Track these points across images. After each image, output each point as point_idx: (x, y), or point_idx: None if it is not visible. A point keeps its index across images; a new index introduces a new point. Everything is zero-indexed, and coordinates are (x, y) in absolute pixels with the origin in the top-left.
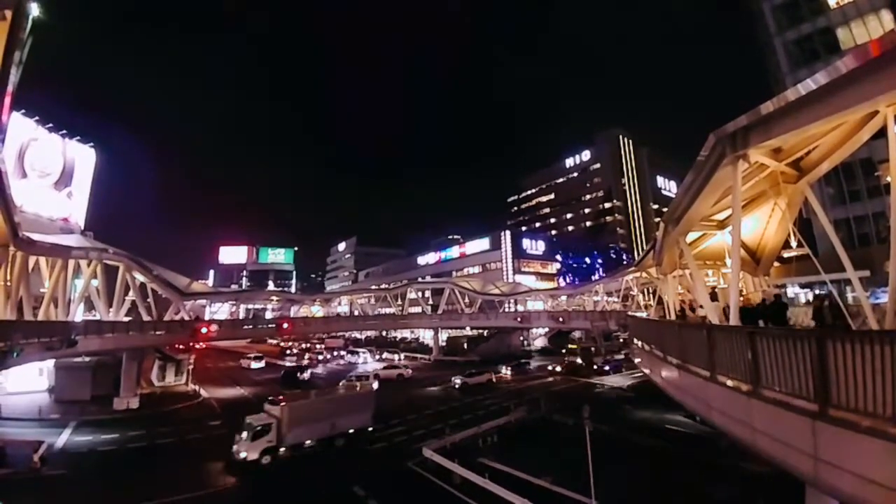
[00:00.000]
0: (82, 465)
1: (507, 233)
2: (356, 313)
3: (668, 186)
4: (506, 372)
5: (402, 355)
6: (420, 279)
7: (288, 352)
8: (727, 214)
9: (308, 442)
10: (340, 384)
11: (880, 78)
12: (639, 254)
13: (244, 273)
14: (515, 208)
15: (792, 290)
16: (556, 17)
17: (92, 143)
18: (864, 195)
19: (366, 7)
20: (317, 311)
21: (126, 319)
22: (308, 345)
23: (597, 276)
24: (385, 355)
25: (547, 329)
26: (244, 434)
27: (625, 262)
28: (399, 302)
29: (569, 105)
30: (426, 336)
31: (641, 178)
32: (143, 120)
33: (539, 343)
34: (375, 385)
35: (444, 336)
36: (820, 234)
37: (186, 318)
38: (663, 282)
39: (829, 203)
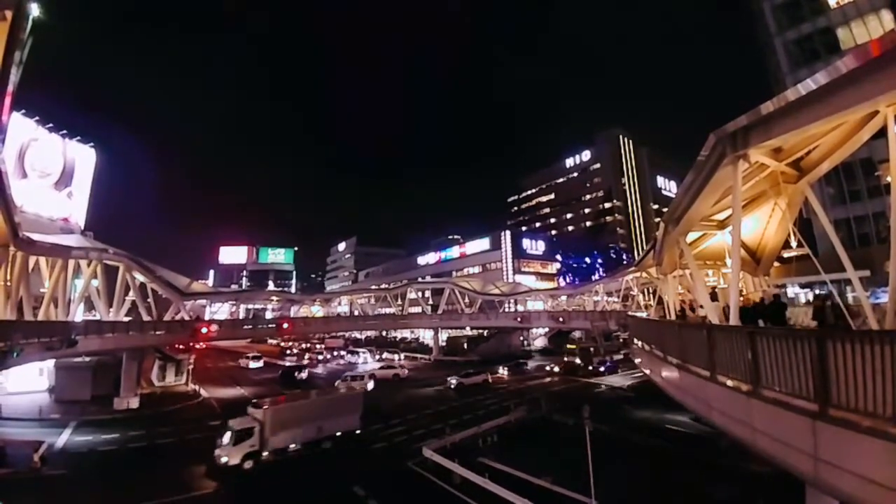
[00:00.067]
0: (82, 465)
1: (507, 233)
2: (356, 313)
3: (668, 186)
4: (503, 372)
5: (402, 355)
6: (420, 279)
7: (288, 352)
8: (727, 214)
9: (293, 446)
10: (336, 384)
11: (880, 78)
12: (639, 254)
13: (244, 273)
14: (515, 208)
15: (792, 290)
16: (556, 17)
17: (92, 143)
18: (864, 195)
19: (366, 7)
20: (317, 311)
21: (126, 319)
22: (308, 345)
23: (597, 276)
24: (385, 355)
25: (547, 329)
26: (226, 438)
27: (625, 262)
28: (399, 302)
29: (569, 105)
30: (426, 336)
31: (641, 178)
32: (143, 120)
33: (539, 343)
34: (371, 385)
35: (444, 336)
36: (820, 234)
37: (186, 318)
38: (663, 282)
39: (830, 203)
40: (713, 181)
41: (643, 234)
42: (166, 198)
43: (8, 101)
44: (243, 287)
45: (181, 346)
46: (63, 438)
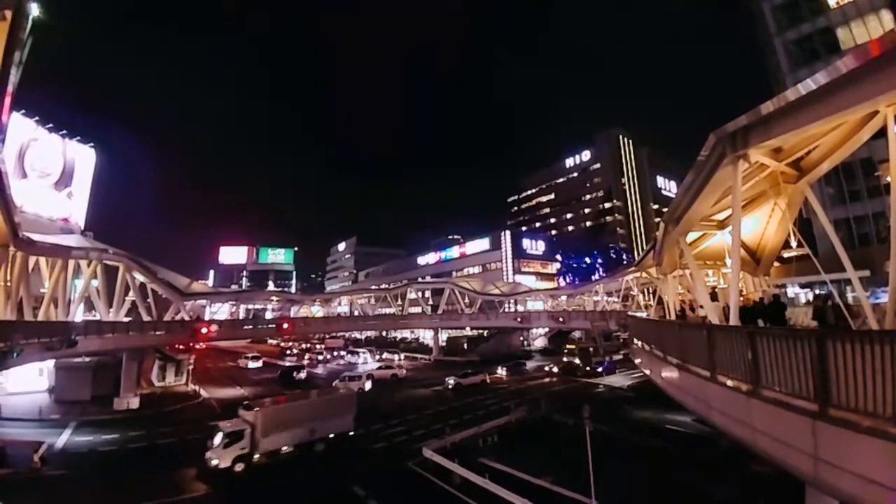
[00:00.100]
0: (82, 466)
1: (507, 233)
2: (356, 313)
3: (668, 186)
4: (501, 373)
5: (402, 355)
6: (420, 279)
7: (288, 352)
8: (727, 214)
9: (285, 448)
10: (334, 384)
11: (880, 78)
12: (639, 254)
13: (244, 273)
14: (515, 208)
15: (792, 290)
16: (556, 17)
17: (92, 143)
18: (864, 195)
19: (366, 7)
20: (317, 311)
21: (126, 320)
22: (308, 345)
23: (597, 276)
24: (385, 356)
25: (547, 329)
26: (216, 440)
27: (625, 262)
28: (399, 302)
29: (569, 105)
30: (426, 336)
31: (641, 178)
32: (143, 120)
33: (539, 343)
34: (368, 385)
35: (444, 336)
36: (820, 234)
37: (186, 318)
38: (663, 282)
39: (829, 203)
40: (713, 181)
41: (643, 234)
42: (166, 198)
43: (8, 101)
44: (243, 287)
45: (181, 347)
46: (63, 439)
